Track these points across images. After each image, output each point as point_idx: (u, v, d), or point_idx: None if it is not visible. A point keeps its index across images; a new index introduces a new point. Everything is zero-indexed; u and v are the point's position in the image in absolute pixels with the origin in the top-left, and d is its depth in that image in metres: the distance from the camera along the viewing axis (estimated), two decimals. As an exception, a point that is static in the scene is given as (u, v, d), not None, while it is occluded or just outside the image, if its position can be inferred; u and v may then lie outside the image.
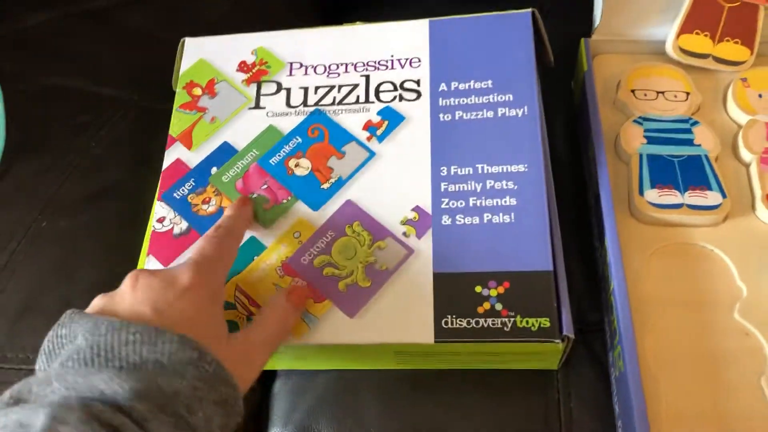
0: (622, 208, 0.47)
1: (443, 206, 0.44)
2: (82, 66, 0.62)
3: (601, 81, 0.52)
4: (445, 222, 0.44)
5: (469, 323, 0.40)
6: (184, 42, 0.54)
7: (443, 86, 0.48)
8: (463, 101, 0.47)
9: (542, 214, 0.43)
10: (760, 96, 0.50)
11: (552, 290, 0.41)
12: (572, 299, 0.45)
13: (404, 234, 0.44)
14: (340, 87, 0.50)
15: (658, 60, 0.53)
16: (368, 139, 0.48)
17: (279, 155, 0.48)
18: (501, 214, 0.43)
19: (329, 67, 0.51)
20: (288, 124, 0.49)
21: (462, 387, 0.44)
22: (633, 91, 0.51)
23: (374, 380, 0.45)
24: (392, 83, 0.49)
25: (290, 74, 0.51)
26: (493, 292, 0.41)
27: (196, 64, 0.53)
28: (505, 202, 0.44)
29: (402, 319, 0.41)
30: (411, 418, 0.44)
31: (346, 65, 0.51)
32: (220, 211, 0.46)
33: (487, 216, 0.43)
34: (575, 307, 0.46)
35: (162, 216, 0.47)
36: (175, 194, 0.47)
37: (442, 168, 0.45)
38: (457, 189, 0.45)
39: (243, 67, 0.52)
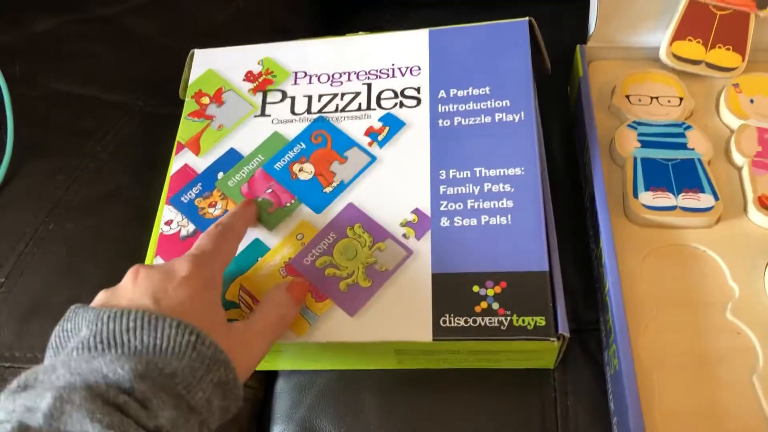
0: (617, 210, 0.48)
1: (442, 209, 0.45)
2: (89, 72, 0.63)
3: (597, 86, 0.54)
4: (443, 224, 0.45)
5: (466, 322, 0.41)
6: (193, 53, 0.56)
7: (442, 93, 0.50)
8: (462, 107, 0.49)
9: (538, 216, 0.44)
10: (751, 101, 0.51)
11: (547, 290, 0.42)
12: (568, 299, 0.46)
13: (404, 235, 0.45)
14: (342, 95, 0.52)
15: (652, 66, 0.54)
16: (370, 144, 0.49)
17: (283, 160, 0.50)
18: (498, 216, 0.44)
19: (332, 76, 0.53)
20: (292, 130, 0.51)
21: (460, 386, 0.45)
22: (627, 96, 0.52)
23: (374, 379, 0.46)
24: (393, 91, 0.51)
25: (295, 83, 0.53)
26: (490, 292, 0.42)
27: (205, 74, 0.55)
28: (502, 204, 0.45)
29: (401, 317, 0.42)
30: (410, 416, 0.45)
31: (349, 74, 0.52)
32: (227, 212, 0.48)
33: (485, 218, 0.45)
34: (571, 307, 0.47)
35: (170, 219, 0.48)
36: (182, 198, 0.49)
37: (441, 172, 0.47)
38: (455, 192, 0.46)
39: (249, 76, 0.54)
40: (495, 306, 0.42)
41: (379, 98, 0.51)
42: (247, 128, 0.52)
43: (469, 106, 0.49)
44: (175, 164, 0.51)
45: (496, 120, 0.48)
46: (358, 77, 0.52)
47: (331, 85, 0.52)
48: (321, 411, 0.47)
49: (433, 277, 0.43)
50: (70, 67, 0.64)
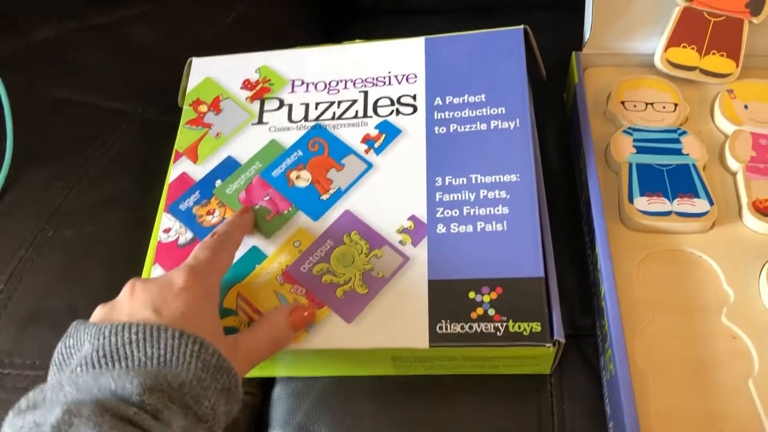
0: (613, 215, 0.48)
1: (438, 215, 0.46)
2: (88, 79, 0.64)
3: (592, 93, 0.54)
4: (439, 230, 0.45)
5: (462, 328, 0.42)
6: (191, 62, 0.56)
7: (438, 100, 0.50)
8: (458, 114, 0.49)
9: (533, 223, 0.44)
10: (746, 107, 0.52)
11: (543, 296, 0.42)
12: (564, 305, 0.46)
13: (400, 242, 0.45)
14: (339, 103, 0.52)
15: (646, 72, 0.54)
16: (366, 151, 0.49)
17: (281, 168, 0.50)
18: (494, 223, 0.45)
19: (329, 84, 0.53)
20: (289, 138, 0.51)
21: (457, 392, 0.46)
22: (623, 102, 0.53)
23: (371, 385, 0.46)
24: (389, 98, 0.51)
25: (292, 91, 0.53)
26: (486, 298, 0.42)
27: (203, 82, 0.55)
28: (498, 210, 0.45)
29: (398, 324, 0.42)
30: (407, 422, 0.45)
31: (346, 82, 0.53)
32: (223, 221, 0.48)
33: (481, 224, 0.45)
34: (568, 313, 0.47)
35: (168, 227, 0.48)
36: (180, 206, 0.49)
37: (437, 178, 0.47)
38: (451, 198, 0.46)
39: (247, 84, 0.54)
40: (491, 312, 0.42)
41: (375, 106, 0.51)
42: (245, 136, 0.52)
43: (465, 114, 0.49)
44: (173, 172, 0.51)
45: (492, 127, 0.48)
46: (354, 85, 0.52)
47: (328, 92, 0.53)
48: (318, 417, 0.47)
49: (430, 283, 0.43)
50: (70, 75, 0.64)
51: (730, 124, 0.51)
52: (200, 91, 0.55)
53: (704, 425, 0.40)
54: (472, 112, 0.49)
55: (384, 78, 0.52)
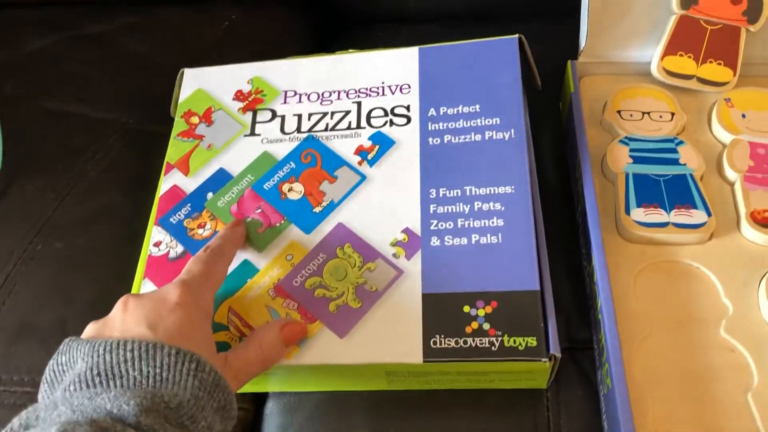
0: (609, 226, 0.47)
1: (432, 228, 0.45)
2: (79, 90, 0.63)
3: (588, 102, 0.53)
4: (434, 243, 0.45)
5: (457, 343, 0.41)
6: (183, 72, 0.55)
7: (432, 111, 0.50)
8: (452, 125, 0.49)
9: (529, 235, 0.44)
10: (743, 116, 0.51)
11: (539, 310, 0.41)
12: (561, 317, 0.46)
13: (394, 255, 0.45)
14: (332, 114, 0.51)
15: (643, 81, 0.54)
16: (359, 163, 0.49)
17: (273, 180, 0.49)
18: (489, 235, 0.44)
19: (322, 94, 0.52)
20: (282, 150, 0.50)
21: (452, 407, 0.45)
22: (619, 111, 0.52)
23: (365, 400, 0.46)
24: (383, 109, 0.51)
25: (284, 102, 0.53)
26: (481, 312, 0.42)
27: (194, 93, 0.55)
28: (493, 223, 0.44)
29: (391, 339, 0.42)
30: (402, 438, 0.45)
31: (339, 92, 0.52)
32: (215, 235, 0.47)
33: (475, 237, 0.44)
34: (564, 325, 0.47)
35: (158, 240, 0.48)
36: (171, 219, 0.49)
37: (431, 190, 0.46)
38: (445, 211, 0.45)
39: (239, 96, 0.54)
40: (486, 326, 0.41)
41: (368, 117, 0.51)
42: (237, 148, 0.51)
43: (459, 124, 0.49)
44: (164, 185, 0.50)
45: (486, 138, 0.47)
46: (347, 96, 0.52)
47: (320, 103, 0.52)
48: (311, 433, 0.46)
49: (424, 297, 0.43)
50: (61, 86, 0.64)
51: (728, 134, 0.50)
52: (192, 102, 0.54)
53: (703, 440, 0.40)
54: (467, 123, 0.48)
55: (377, 88, 0.52)
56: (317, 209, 0.47)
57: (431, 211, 0.46)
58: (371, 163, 0.48)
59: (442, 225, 0.45)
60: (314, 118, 0.51)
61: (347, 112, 0.51)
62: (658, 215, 0.47)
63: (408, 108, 0.50)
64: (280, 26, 0.69)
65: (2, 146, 0.58)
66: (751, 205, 0.47)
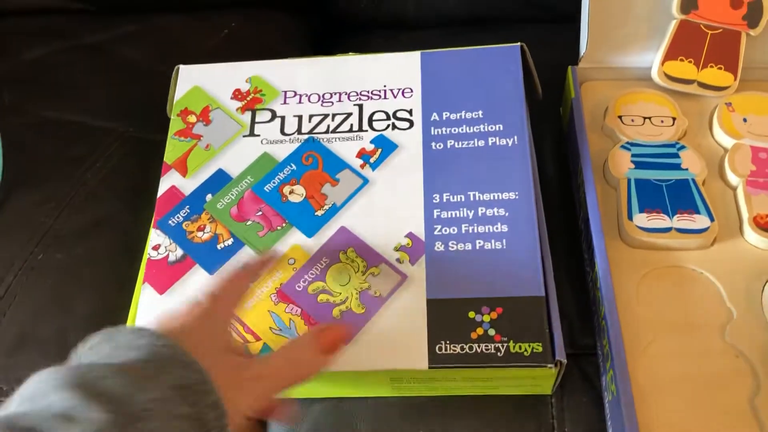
0: (612, 232, 0.47)
1: (436, 233, 0.45)
2: (79, 99, 0.63)
3: (589, 107, 0.53)
4: (438, 248, 0.44)
5: (462, 349, 0.41)
6: (178, 69, 0.55)
7: (435, 116, 0.49)
8: (455, 130, 0.48)
9: (533, 241, 0.43)
10: (744, 120, 0.51)
11: (544, 315, 0.41)
12: (565, 323, 0.46)
13: (398, 260, 0.44)
14: (333, 115, 0.51)
15: (644, 86, 0.54)
16: (362, 166, 0.48)
17: (273, 182, 0.49)
18: (493, 241, 0.44)
19: (323, 96, 0.52)
20: (282, 151, 0.50)
21: (457, 413, 0.45)
22: (620, 117, 0.52)
23: (370, 407, 0.45)
24: (385, 112, 0.50)
25: (284, 102, 0.52)
26: (486, 318, 0.41)
27: (191, 91, 0.54)
28: (497, 228, 0.44)
29: (396, 345, 0.41)
30: (406, 444, 0.44)
31: (340, 94, 0.52)
32: (215, 238, 0.47)
33: (479, 242, 0.44)
34: (568, 331, 0.47)
35: (157, 243, 0.47)
36: (170, 221, 0.48)
37: (434, 195, 0.46)
38: (449, 216, 0.45)
39: (237, 95, 0.53)
40: (491, 332, 0.41)
41: (371, 120, 0.50)
42: (236, 148, 0.51)
43: (462, 130, 0.48)
44: (162, 186, 0.50)
45: (490, 144, 0.47)
46: (349, 98, 0.51)
47: (321, 105, 0.51)
48: (315, 442, 0.46)
49: (428, 303, 0.43)
50: (61, 95, 0.63)
51: (729, 138, 0.50)
52: (188, 100, 0.53)
53: (708, 447, 0.40)
54: (470, 129, 0.48)
55: (379, 91, 0.51)
56: (319, 212, 0.47)
57: (435, 216, 0.45)
58: (374, 166, 0.48)
59: (446, 230, 0.45)
60: (315, 120, 0.51)
61: (348, 115, 0.51)
62: (660, 221, 0.46)
63: (410, 112, 0.50)
64: (279, 34, 0.68)
65: (1, 156, 0.57)
66: (754, 210, 0.47)
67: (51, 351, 0.47)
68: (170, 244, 0.47)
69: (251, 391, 0.34)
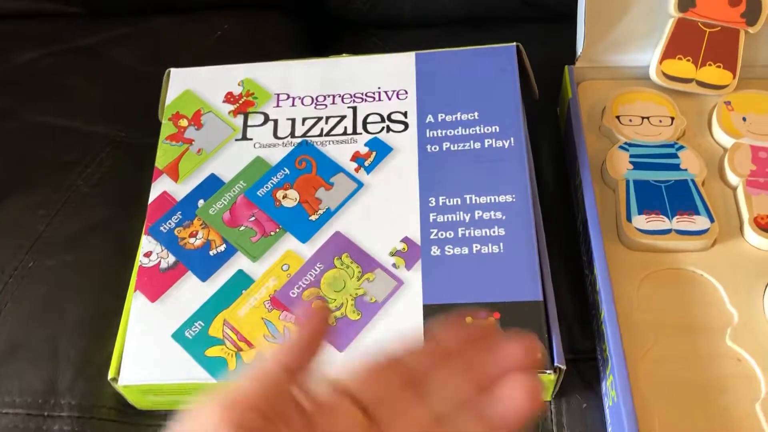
0: (611, 234, 0.47)
1: (432, 237, 0.44)
2: (70, 103, 0.62)
3: (586, 107, 0.53)
4: (434, 253, 0.44)
5: (460, 355, 0.40)
6: (169, 73, 0.54)
7: (430, 118, 0.49)
8: (450, 132, 0.48)
9: (530, 244, 0.43)
10: (744, 119, 0.50)
11: (542, 320, 0.41)
12: (564, 327, 0.45)
13: (393, 265, 0.44)
14: (327, 118, 0.50)
15: (642, 85, 0.53)
16: (356, 170, 0.47)
17: (266, 187, 0.48)
18: (490, 245, 0.43)
19: (316, 98, 0.51)
20: (275, 155, 0.49)
21: (455, 419, 0.44)
22: (618, 117, 0.51)
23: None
24: (379, 115, 0.49)
25: (277, 105, 0.51)
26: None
27: (182, 95, 0.53)
28: (494, 232, 0.44)
29: (393, 352, 0.41)
30: (404, 452, 0.44)
31: (333, 97, 0.51)
32: (207, 244, 0.46)
33: (476, 246, 0.43)
34: (567, 336, 0.46)
35: (149, 250, 0.46)
36: (161, 227, 0.47)
37: (430, 199, 0.45)
38: (445, 219, 0.45)
39: (229, 98, 0.52)
40: (489, 338, 0.40)
41: (365, 122, 0.49)
42: (228, 152, 0.50)
43: (458, 132, 0.48)
44: (153, 191, 0.49)
45: (486, 146, 0.47)
46: (343, 100, 0.51)
47: (315, 107, 0.51)
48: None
49: (425, 308, 0.42)
50: (52, 99, 0.63)
51: (729, 137, 0.50)
52: (180, 104, 0.53)
53: (710, 452, 0.39)
54: (465, 130, 0.48)
55: (374, 93, 0.50)
56: (313, 217, 0.46)
57: (431, 220, 0.45)
58: (368, 170, 0.47)
59: (442, 234, 0.44)
60: (308, 123, 0.50)
61: (342, 117, 0.50)
62: (660, 222, 0.46)
63: (405, 114, 0.49)
64: (273, 34, 0.68)
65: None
66: (754, 210, 0.46)
67: (42, 360, 0.46)
68: (162, 250, 0.46)
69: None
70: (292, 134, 0.50)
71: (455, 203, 0.45)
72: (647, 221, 0.46)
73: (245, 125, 0.51)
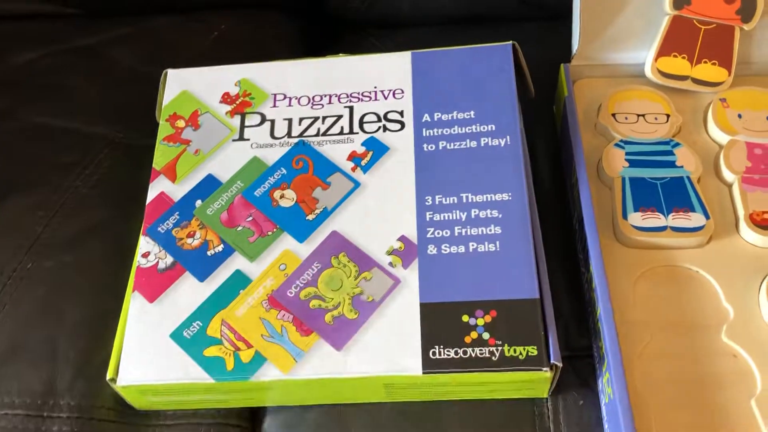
0: (607, 232, 0.47)
1: (429, 236, 0.44)
2: (69, 104, 0.62)
3: (582, 105, 0.53)
4: (431, 251, 0.44)
5: (456, 353, 0.40)
6: (166, 74, 0.54)
7: (426, 117, 0.49)
8: (447, 131, 0.48)
9: (527, 242, 0.43)
10: (739, 116, 0.51)
11: (539, 318, 0.41)
12: (560, 325, 0.45)
13: (390, 264, 0.44)
14: (324, 118, 0.50)
15: (637, 83, 0.53)
16: (353, 169, 0.48)
17: (264, 187, 0.48)
18: (486, 243, 0.43)
19: (313, 98, 0.51)
20: (272, 155, 0.49)
21: (453, 417, 0.44)
22: (614, 114, 0.51)
23: (365, 414, 0.45)
24: (376, 114, 0.50)
25: (274, 105, 0.52)
26: (480, 322, 0.41)
27: (179, 95, 0.53)
28: (490, 230, 0.44)
29: (389, 350, 0.41)
30: (402, 450, 0.44)
31: (330, 96, 0.51)
32: (205, 244, 0.46)
33: (473, 245, 0.43)
34: (563, 333, 0.46)
35: (147, 251, 0.46)
36: (159, 228, 0.47)
37: (426, 197, 0.45)
38: (442, 218, 0.45)
39: (226, 98, 0.53)
40: (485, 336, 0.40)
41: (361, 122, 0.49)
42: (225, 153, 0.50)
43: (454, 130, 0.48)
44: (151, 192, 0.49)
45: (482, 144, 0.47)
46: (339, 100, 0.51)
47: (311, 107, 0.51)
48: (310, 450, 0.45)
49: (422, 307, 0.42)
50: (50, 100, 0.62)
51: (724, 134, 0.50)
52: (177, 105, 0.53)
53: (706, 448, 0.39)
54: (462, 129, 0.48)
55: (370, 93, 0.51)
56: (310, 217, 0.46)
57: (427, 219, 0.45)
58: (365, 169, 0.47)
59: (438, 233, 0.44)
60: (305, 123, 0.50)
61: (339, 117, 0.50)
62: (655, 219, 0.46)
63: (402, 113, 0.49)
64: (272, 34, 0.68)
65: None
66: (750, 207, 0.46)
67: (41, 361, 0.47)
68: (160, 251, 0.46)
69: None
70: (289, 134, 0.50)
71: (452, 202, 0.45)
72: (643, 218, 0.46)
73: (242, 125, 0.51)
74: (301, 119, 0.50)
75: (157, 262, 0.46)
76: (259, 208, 0.47)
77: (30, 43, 0.67)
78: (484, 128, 0.47)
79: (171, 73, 0.54)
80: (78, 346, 0.47)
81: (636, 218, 0.46)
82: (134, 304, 0.44)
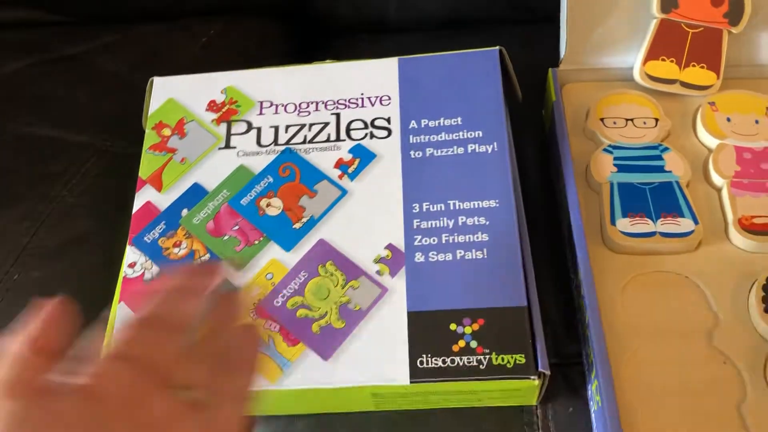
0: (595, 238, 0.46)
1: (416, 243, 0.44)
2: (55, 113, 0.62)
3: (571, 110, 0.52)
4: (418, 259, 0.43)
5: (444, 362, 0.40)
6: (152, 81, 0.54)
7: (413, 123, 0.48)
8: (434, 138, 0.48)
9: (515, 250, 0.43)
10: (728, 120, 0.50)
11: (526, 326, 0.40)
12: (549, 332, 0.45)
13: (378, 272, 0.43)
14: (310, 125, 0.50)
15: (626, 87, 0.53)
16: (340, 177, 0.47)
17: (250, 195, 0.48)
18: (474, 251, 0.43)
19: (299, 105, 0.51)
20: (259, 163, 0.49)
21: (441, 426, 0.44)
22: (602, 119, 0.51)
23: (354, 422, 0.45)
24: (363, 121, 0.49)
25: (260, 113, 0.51)
26: (468, 330, 0.41)
27: (165, 104, 0.53)
28: (478, 238, 0.43)
29: (377, 359, 0.41)
30: (391, 460, 0.44)
31: (317, 103, 0.51)
32: (191, 254, 0.46)
33: (460, 252, 0.43)
34: (552, 340, 0.46)
35: (133, 261, 0.46)
36: (145, 238, 0.47)
37: (414, 205, 0.45)
38: (429, 226, 0.44)
39: (212, 106, 0.52)
40: (473, 344, 0.40)
41: (348, 129, 0.49)
42: (212, 161, 0.50)
43: (441, 137, 0.47)
44: (137, 202, 0.49)
45: (469, 151, 0.46)
46: (326, 107, 0.50)
47: (298, 115, 0.51)
48: (298, 460, 0.45)
49: (409, 315, 0.42)
50: (36, 109, 0.62)
51: (713, 138, 0.49)
52: (163, 113, 0.52)
53: (696, 455, 0.39)
54: (449, 136, 0.47)
55: (357, 99, 0.50)
56: (297, 225, 0.46)
57: (415, 227, 0.44)
58: (352, 176, 0.47)
59: (426, 240, 0.44)
60: (292, 130, 0.50)
61: (326, 124, 0.50)
62: (644, 225, 0.46)
63: (388, 120, 0.49)
64: (259, 40, 0.68)
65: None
66: (739, 212, 0.46)
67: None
68: (146, 261, 0.46)
69: None
70: (276, 142, 0.50)
71: (439, 209, 0.45)
72: (631, 224, 0.46)
73: (228, 134, 0.51)
74: (287, 127, 0.50)
75: (144, 272, 0.46)
76: (246, 217, 0.47)
77: (16, 52, 0.67)
78: (471, 135, 0.47)
79: (157, 81, 0.54)
80: (64, 357, 0.47)
81: (624, 224, 0.46)
82: (120, 314, 0.44)
